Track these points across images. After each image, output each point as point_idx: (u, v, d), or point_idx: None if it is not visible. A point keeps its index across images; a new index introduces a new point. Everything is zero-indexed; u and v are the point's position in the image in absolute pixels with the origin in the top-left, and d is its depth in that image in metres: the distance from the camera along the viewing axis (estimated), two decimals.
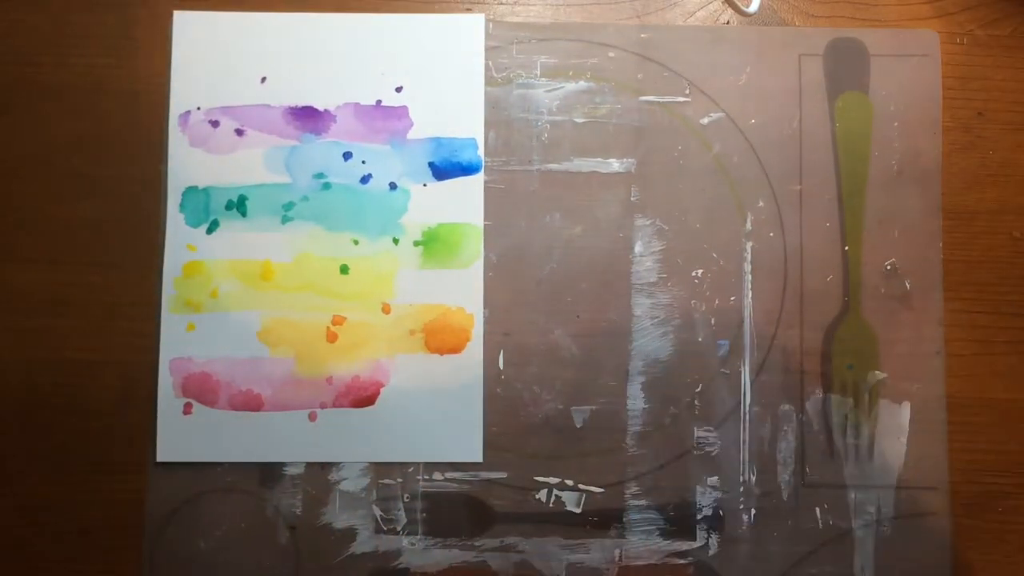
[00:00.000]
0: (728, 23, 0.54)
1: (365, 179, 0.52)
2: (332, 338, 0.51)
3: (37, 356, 0.52)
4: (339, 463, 0.51)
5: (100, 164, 0.52)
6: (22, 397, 0.51)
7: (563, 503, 0.51)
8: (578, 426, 0.52)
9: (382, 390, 0.51)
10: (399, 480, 0.51)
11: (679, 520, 0.51)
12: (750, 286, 0.52)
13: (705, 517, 0.51)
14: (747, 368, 0.52)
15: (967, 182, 0.53)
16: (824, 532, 0.51)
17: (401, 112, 0.53)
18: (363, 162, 0.52)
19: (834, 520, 0.51)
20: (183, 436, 0.51)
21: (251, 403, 0.51)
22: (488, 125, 0.53)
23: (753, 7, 0.54)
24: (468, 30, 0.53)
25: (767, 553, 0.51)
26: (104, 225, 0.52)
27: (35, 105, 0.53)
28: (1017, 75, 0.54)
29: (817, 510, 0.51)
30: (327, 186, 0.52)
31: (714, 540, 0.51)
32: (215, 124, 0.52)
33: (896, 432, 0.52)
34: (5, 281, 0.52)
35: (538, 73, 0.53)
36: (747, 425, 0.52)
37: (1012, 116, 0.54)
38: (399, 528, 0.51)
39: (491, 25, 0.53)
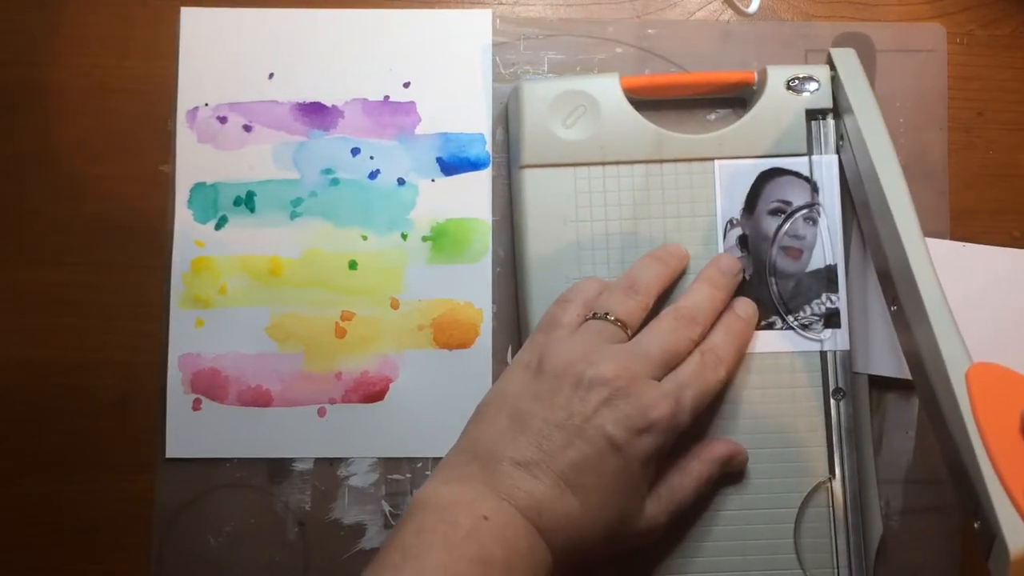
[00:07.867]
0: (728, 22, 0.54)
1: (373, 175, 0.52)
2: (341, 333, 0.51)
3: (42, 356, 0.51)
4: (348, 458, 0.51)
5: (105, 163, 0.52)
6: (28, 397, 0.51)
7: None
8: None
9: (391, 385, 0.51)
10: (408, 475, 0.51)
11: None
12: None
13: None
14: None
15: (967, 182, 0.53)
16: None
17: (409, 108, 0.53)
18: (371, 158, 0.52)
19: None
20: (192, 432, 0.50)
21: (260, 399, 0.51)
22: (496, 120, 0.53)
23: (753, 7, 0.54)
24: (476, 25, 0.53)
25: None
26: (109, 224, 0.52)
27: (37, 105, 0.53)
28: (1017, 75, 0.54)
29: None
30: (335, 182, 0.52)
31: None
32: (223, 120, 0.52)
33: (904, 426, 0.52)
34: (11, 282, 0.52)
35: (545, 69, 0.53)
36: None
37: (1012, 116, 0.54)
38: None
39: (498, 21, 0.54)
